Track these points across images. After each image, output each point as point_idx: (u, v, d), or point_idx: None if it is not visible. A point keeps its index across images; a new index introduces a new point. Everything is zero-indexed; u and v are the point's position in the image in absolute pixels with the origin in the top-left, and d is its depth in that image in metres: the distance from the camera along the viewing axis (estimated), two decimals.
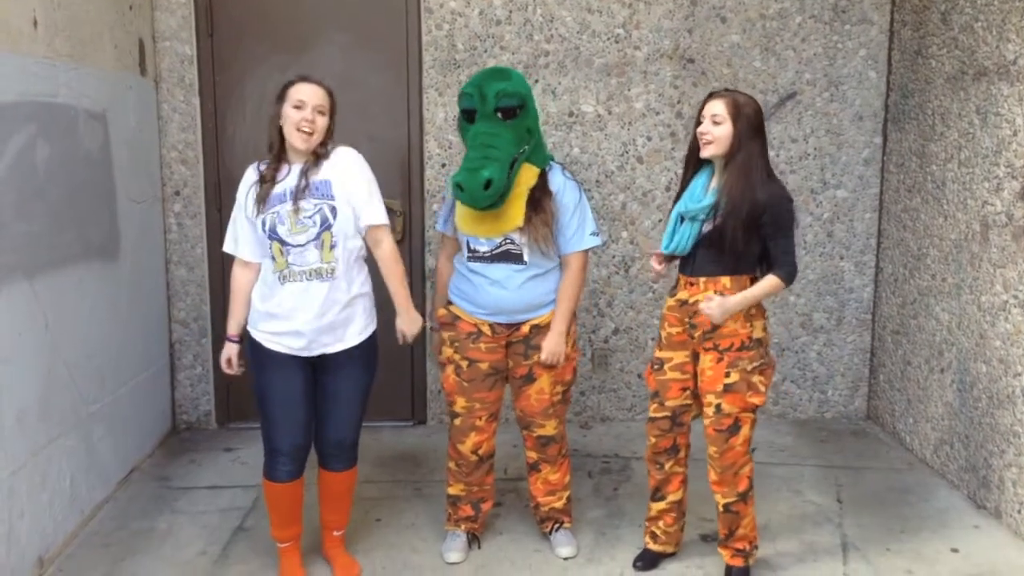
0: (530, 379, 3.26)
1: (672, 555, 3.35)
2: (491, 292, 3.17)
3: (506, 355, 3.26)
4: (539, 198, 3.14)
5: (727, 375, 2.98)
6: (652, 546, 3.33)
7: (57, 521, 3.37)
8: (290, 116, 2.93)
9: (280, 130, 2.97)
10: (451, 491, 3.43)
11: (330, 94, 3.03)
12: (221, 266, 4.64)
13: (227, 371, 3.17)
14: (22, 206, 3.14)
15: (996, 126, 3.66)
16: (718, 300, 2.92)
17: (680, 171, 4.58)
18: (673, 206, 3.10)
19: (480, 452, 3.32)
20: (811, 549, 3.45)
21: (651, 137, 4.64)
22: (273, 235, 2.93)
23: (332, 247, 2.95)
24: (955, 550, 3.45)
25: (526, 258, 3.16)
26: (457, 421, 3.30)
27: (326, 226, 2.94)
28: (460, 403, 3.27)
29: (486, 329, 3.21)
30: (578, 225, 3.21)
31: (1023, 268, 3.50)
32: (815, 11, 4.60)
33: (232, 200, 4.47)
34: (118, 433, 3.95)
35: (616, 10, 4.55)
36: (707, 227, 2.95)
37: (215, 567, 3.33)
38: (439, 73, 4.55)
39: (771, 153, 4.65)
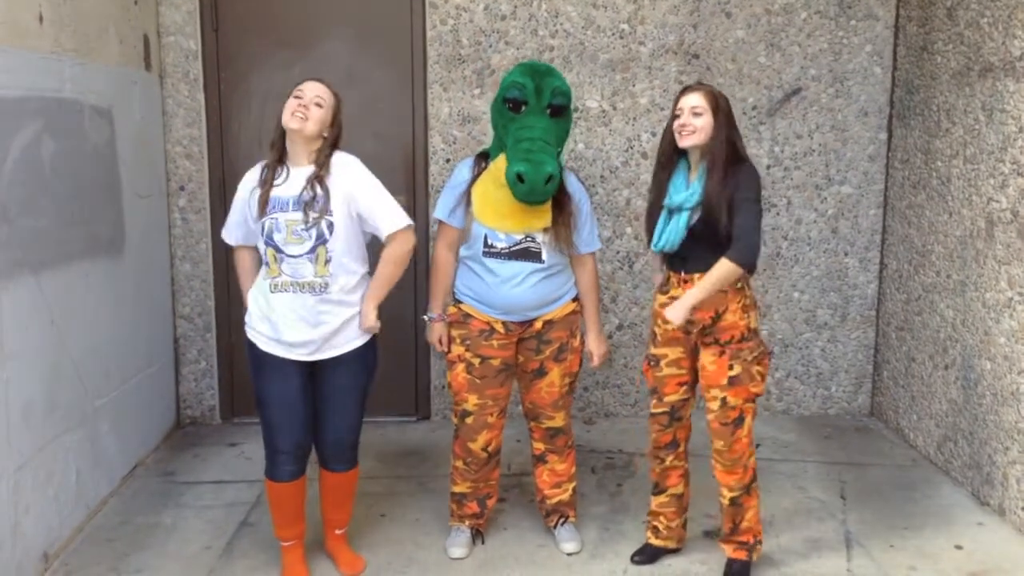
0: (541, 373, 3.26)
1: (675, 551, 3.36)
2: (505, 291, 3.15)
3: (517, 351, 3.27)
4: (561, 199, 3.15)
5: (731, 368, 3.00)
6: (653, 541, 3.34)
7: (62, 516, 3.38)
8: (288, 104, 2.92)
9: (283, 130, 2.96)
10: (456, 489, 3.43)
11: (335, 95, 3.00)
12: (225, 261, 4.64)
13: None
14: (28, 201, 3.15)
15: (1002, 123, 3.65)
16: (676, 303, 2.94)
17: None
18: (651, 208, 3.12)
19: (490, 449, 3.33)
20: (815, 545, 3.45)
21: (656, 132, 4.63)
22: (269, 241, 2.92)
23: (327, 262, 2.93)
24: (959, 547, 3.45)
25: (544, 257, 3.15)
26: (469, 420, 3.28)
27: (321, 240, 2.91)
28: (472, 401, 3.26)
29: (499, 327, 3.20)
30: (591, 227, 3.27)
31: None
32: (820, 7, 4.59)
33: None
34: (123, 428, 3.96)
35: (621, 5, 4.54)
36: (695, 220, 2.96)
37: (219, 562, 3.34)
38: (444, 68, 4.55)
39: (776, 149, 4.67)
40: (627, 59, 4.59)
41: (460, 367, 3.25)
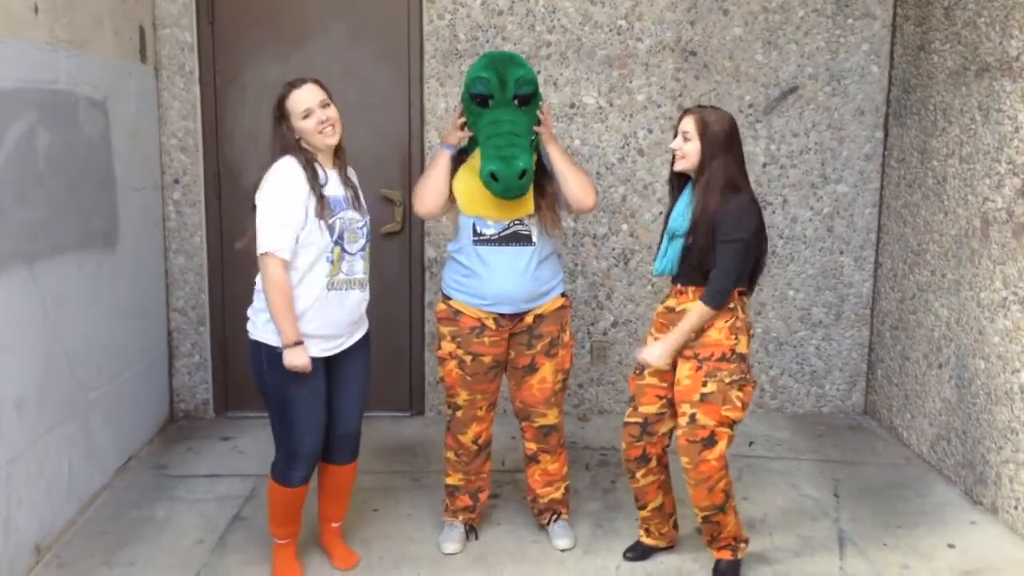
0: (532, 369, 3.26)
1: (668, 549, 3.36)
2: (498, 280, 3.14)
3: (508, 346, 3.26)
4: (542, 184, 3.16)
5: (704, 384, 2.93)
6: (645, 540, 3.34)
7: (55, 509, 3.37)
8: (306, 127, 2.88)
9: (297, 141, 2.91)
10: (449, 481, 3.43)
11: (320, 83, 2.97)
12: (220, 254, 4.64)
13: (306, 370, 2.88)
14: (22, 193, 3.13)
15: (998, 122, 3.65)
16: (656, 345, 2.98)
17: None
18: (664, 227, 3.11)
19: (480, 441, 3.34)
20: (808, 543, 3.46)
21: (652, 130, 4.63)
22: (339, 241, 2.92)
23: (368, 259, 3.06)
24: (951, 545, 3.46)
25: (535, 239, 3.16)
26: (459, 413, 3.30)
27: (369, 239, 3.04)
28: (463, 396, 3.27)
29: (490, 323, 3.20)
30: None
31: (1023, 265, 3.50)
32: (818, 5, 4.58)
33: (233, 189, 4.54)
34: (116, 421, 3.95)
35: (618, 1, 4.53)
36: (688, 242, 2.96)
37: (212, 556, 3.33)
38: (440, 63, 4.54)
39: (772, 147, 4.67)
40: (624, 55, 4.58)
41: (452, 364, 3.25)
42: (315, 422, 3.02)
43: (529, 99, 3.06)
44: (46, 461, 3.31)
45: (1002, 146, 3.62)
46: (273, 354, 2.92)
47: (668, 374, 3.05)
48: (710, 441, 2.94)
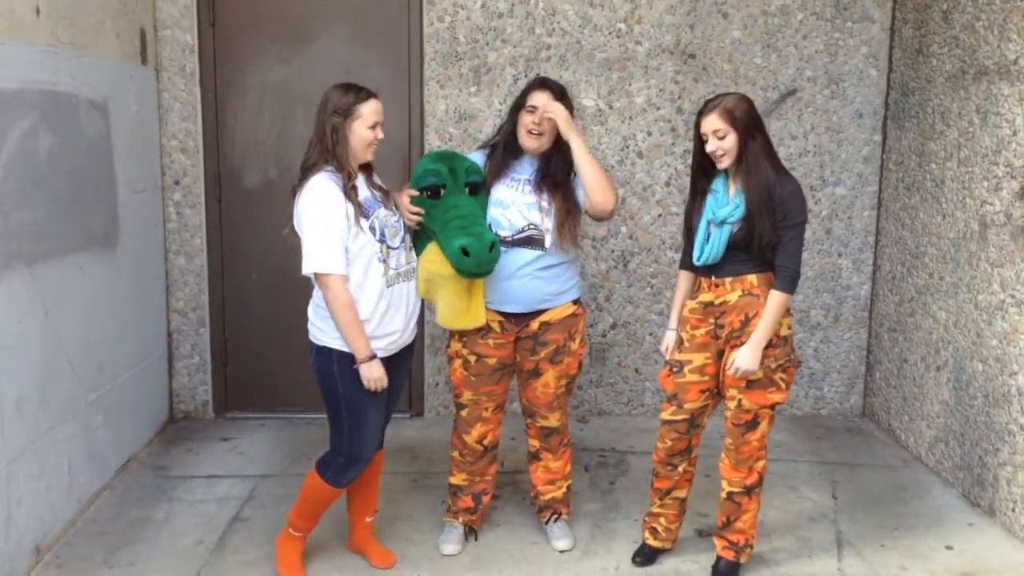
0: (536, 374, 3.27)
1: (668, 551, 3.37)
2: (505, 281, 3.15)
3: (514, 350, 3.27)
4: (566, 199, 3.18)
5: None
6: (652, 542, 3.34)
7: (55, 509, 3.38)
8: (365, 136, 2.96)
9: (343, 140, 2.94)
10: (453, 481, 3.44)
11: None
12: (220, 256, 4.65)
13: (380, 388, 2.95)
14: (23, 194, 3.14)
15: (996, 126, 3.66)
16: (742, 353, 2.94)
17: (680, 167, 4.61)
18: (691, 219, 3.08)
19: (485, 442, 3.35)
20: (806, 545, 3.46)
21: (651, 132, 4.64)
22: (382, 238, 2.96)
23: (410, 249, 3.08)
24: (949, 547, 3.46)
25: (547, 244, 3.16)
26: (464, 412, 3.32)
27: (407, 230, 3.07)
28: (467, 396, 3.29)
29: (496, 326, 3.21)
30: None
31: (1021, 268, 3.51)
32: (817, 8, 4.60)
33: (233, 190, 4.56)
34: (116, 422, 3.96)
35: (618, 4, 4.55)
36: (736, 231, 2.95)
37: (212, 556, 3.33)
38: (440, 66, 4.55)
39: None
40: (623, 58, 4.60)
41: (457, 363, 3.28)
42: (380, 425, 3.10)
43: (479, 187, 3.12)
44: (46, 461, 3.32)
45: (1000, 149, 3.63)
46: (346, 360, 2.93)
47: (709, 367, 3.09)
48: (752, 424, 3.05)
